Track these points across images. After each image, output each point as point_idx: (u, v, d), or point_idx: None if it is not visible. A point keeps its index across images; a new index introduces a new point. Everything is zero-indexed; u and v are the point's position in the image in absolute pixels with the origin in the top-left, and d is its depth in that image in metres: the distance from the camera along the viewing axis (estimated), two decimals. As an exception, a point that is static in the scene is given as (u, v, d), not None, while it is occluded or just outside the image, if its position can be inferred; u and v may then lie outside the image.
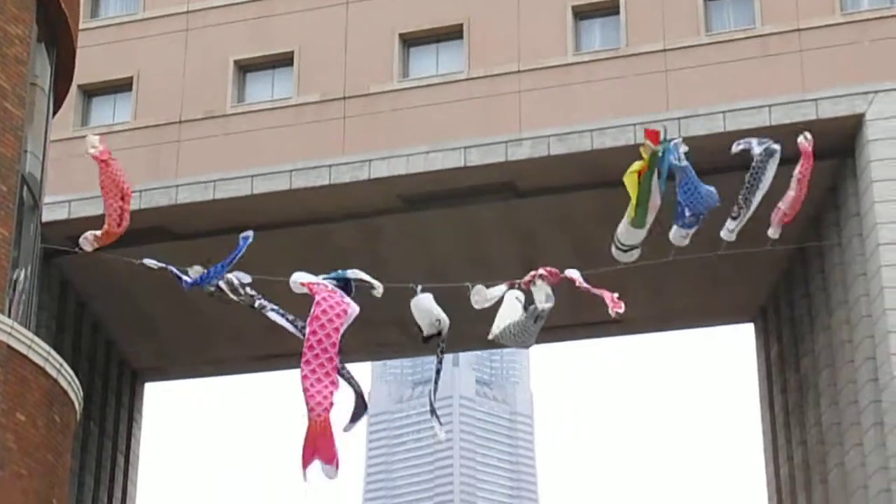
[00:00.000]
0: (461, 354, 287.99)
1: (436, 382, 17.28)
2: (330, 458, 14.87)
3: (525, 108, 35.57)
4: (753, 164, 17.70)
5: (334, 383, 15.00)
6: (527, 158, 35.14)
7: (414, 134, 36.03)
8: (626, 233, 18.17)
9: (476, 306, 17.29)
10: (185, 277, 16.41)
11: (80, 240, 17.23)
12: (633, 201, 17.62)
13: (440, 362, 17.03)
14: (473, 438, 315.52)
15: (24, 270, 19.13)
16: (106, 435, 42.67)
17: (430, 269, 39.90)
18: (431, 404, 17.48)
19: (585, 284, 17.51)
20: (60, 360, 18.00)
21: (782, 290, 40.31)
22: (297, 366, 15.36)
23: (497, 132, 35.37)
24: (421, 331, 16.64)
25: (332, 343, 15.02)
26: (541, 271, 17.35)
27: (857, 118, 33.35)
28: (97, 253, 17.75)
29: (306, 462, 14.85)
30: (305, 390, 14.79)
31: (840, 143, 33.91)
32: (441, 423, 17.56)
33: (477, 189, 36.31)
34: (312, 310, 15.16)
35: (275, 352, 42.25)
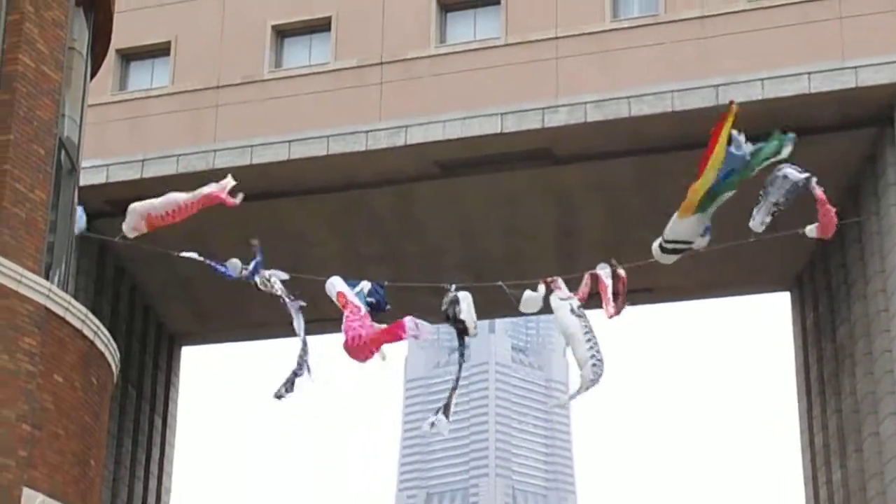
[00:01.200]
0: (497, 321, 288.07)
1: (459, 369, 18.21)
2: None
3: (562, 75, 35.44)
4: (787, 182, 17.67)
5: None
6: (563, 125, 35.02)
7: (451, 100, 35.96)
8: (676, 227, 18.08)
9: (523, 310, 17.98)
10: (227, 271, 17.73)
11: (124, 226, 19.42)
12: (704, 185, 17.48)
13: (462, 354, 17.86)
14: (509, 405, 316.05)
15: (62, 234, 19.24)
16: (143, 397, 43.00)
17: (466, 235, 39.87)
18: (447, 405, 18.26)
19: (612, 300, 17.99)
20: (97, 322, 18.11)
21: (819, 258, 40.12)
22: (333, 330, 16.33)
23: (534, 98, 35.26)
24: (456, 314, 17.43)
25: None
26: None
27: (897, 86, 33.08)
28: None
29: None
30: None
31: (879, 112, 33.64)
32: (442, 418, 18.48)
33: (513, 155, 36.23)
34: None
35: (312, 317, 42.15)
